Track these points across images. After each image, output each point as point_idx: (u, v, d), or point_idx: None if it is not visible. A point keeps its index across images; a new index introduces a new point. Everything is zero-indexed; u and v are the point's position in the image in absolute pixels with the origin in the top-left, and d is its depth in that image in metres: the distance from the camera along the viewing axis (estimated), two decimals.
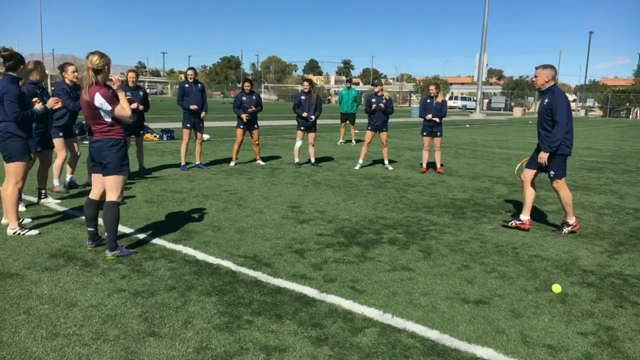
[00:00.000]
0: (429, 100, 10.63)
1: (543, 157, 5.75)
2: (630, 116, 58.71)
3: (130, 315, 3.54)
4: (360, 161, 11.04)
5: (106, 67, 4.57)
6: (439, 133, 10.74)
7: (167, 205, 6.79)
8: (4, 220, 5.56)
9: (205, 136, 14.30)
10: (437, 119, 10.39)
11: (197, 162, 10.12)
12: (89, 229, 4.90)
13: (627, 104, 60.48)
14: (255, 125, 10.67)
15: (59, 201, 6.75)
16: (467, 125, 30.38)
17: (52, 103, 5.78)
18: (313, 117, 10.54)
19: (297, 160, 10.92)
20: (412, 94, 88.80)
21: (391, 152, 13.20)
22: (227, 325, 3.43)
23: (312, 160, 11.12)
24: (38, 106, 5.41)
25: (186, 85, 9.58)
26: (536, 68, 5.82)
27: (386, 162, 11.12)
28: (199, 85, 9.78)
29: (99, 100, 4.46)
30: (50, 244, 5.00)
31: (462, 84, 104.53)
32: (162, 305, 3.72)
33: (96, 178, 4.83)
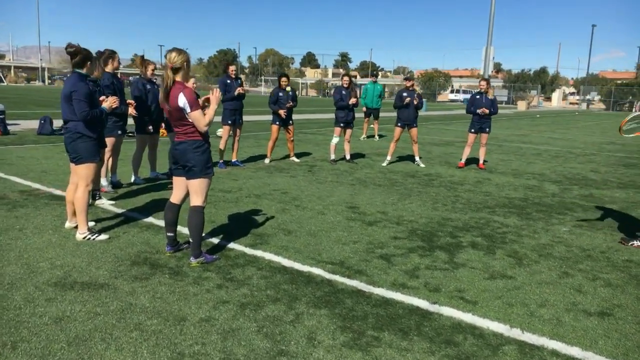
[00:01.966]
0: (478, 97, 10.43)
1: None
2: (634, 109, 58.68)
3: (248, 330, 3.32)
4: (389, 157, 10.82)
5: (185, 64, 4.31)
6: (487, 129, 10.55)
7: (224, 206, 6.55)
8: (68, 224, 5.32)
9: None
10: (486, 110, 10.17)
11: (234, 160, 9.88)
12: (169, 234, 4.67)
13: (630, 97, 60.47)
14: (291, 121, 10.43)
15: (113, 202, 6.50)
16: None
17: (113, 102, 5.51)
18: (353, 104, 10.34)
19: (332, 157, 10.69)
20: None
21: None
22: (355, 343, 3.21)
23: (348, 157, 10.90)
24: (106, 104, 5.15)
25: (228, 82, 9.32)
26: None
27: (417, 158, 10.91)
28: (239, 80, 9.54)
29: (182, 100, 4.22)
30: (126, 250, 4.76)
31: (461, 77, 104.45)
32: (275, 319, 3.50)
33: (178, 181, 4.59)
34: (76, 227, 5.19)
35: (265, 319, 3.48)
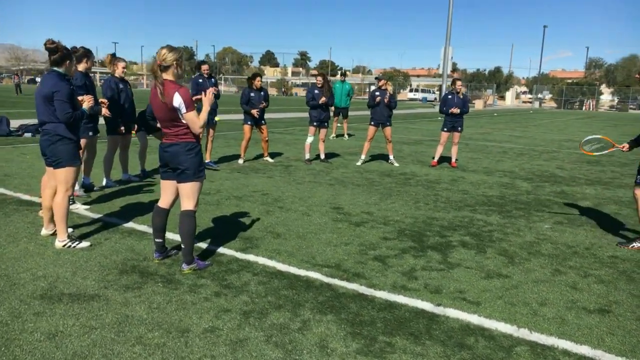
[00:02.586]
0: (450, 96, 10.53)
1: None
2: (584, 107, 61.14)
3: (256, 340, 3.19)
4: (363, 157, 10.82)
5: (176, 62, 4.13)
6: (460, 128, 10.67)
7: (205, 209, 6.36)
8: (44, 231, 5.03)
9: None
10: (456, 111, 10.29)
11: (208, 161, 9.64)
12: (157, 240, 4.47)
13: (580, 96, 62.89)
14: (263, 121, 10.26)
15: (88, 207, 6.21)
16: (439, 118, 30.65)
17: (89, 100, 5.23)
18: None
19: (307, 156, 10.59)
20: (370, 86, 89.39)
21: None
22: (369, 350, 3.14)
23: (322, 156, 10.82)
24: (86, 105, 4.88)
25: (200, 81, 9.09)
26: None
27: (391, 157, 10.94)
28: (212, 80, 9.31)
29: (178, 100, 4.04)
30: (111, 258, 4.53)
31: (418, 76, 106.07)
32: (282, 327, 3.38)
33: (167, 185, 4.39)
34: (54, 234, 4.92)
35: (272, 327, 3.36)
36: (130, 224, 5.58)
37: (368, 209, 6.68)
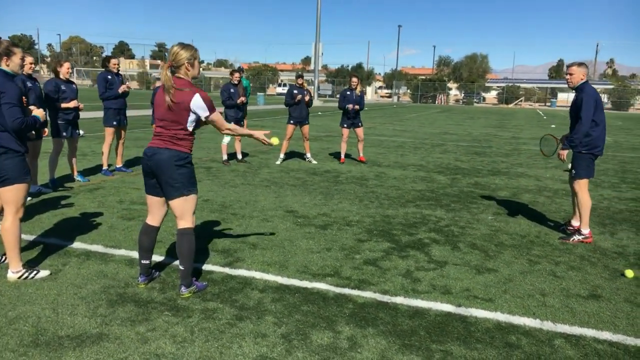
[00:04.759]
0: (348, 93, 10.71)
1: (562, 154, 5.68)
2: (437, 102, 66.71)
3: None
4: (282, 155, 10.69)
5: (187, 62, 3.69)
6: (360, 124, 10.93)
7: None
8: None
9: (81, 131, 12.42)
10: (357, 107, 10.53)
11: (119, 165, 8.78)
12: (144, 261, 3.96)
13: (433, 91, 68.49)
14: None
15: None
16: (320, 113, 31.34)
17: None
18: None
19: (225, 157, 10.14)
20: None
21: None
22: None
23: (240, 156, 10.45)
24: (39, 112, 4.11)
25: (109, 77, 8.21)
26: (569, 66, 5.63)
27: (308, 155, 10.94)
28: (120, 76, 8.47)
29: (198, 104, 3.62)
30: (86, 287, 3.91)
31: (282, 71, 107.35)
32: (333, 347, 3.19)
33: (154, 200, 3.89)
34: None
35: (323, 349, 3.16)
36: (80, 245, 4.88)
37: (322, 211, 6.59)
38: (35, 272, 4.04)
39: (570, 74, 5.59)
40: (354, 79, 10.83)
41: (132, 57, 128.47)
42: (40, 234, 5.16)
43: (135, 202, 6.62)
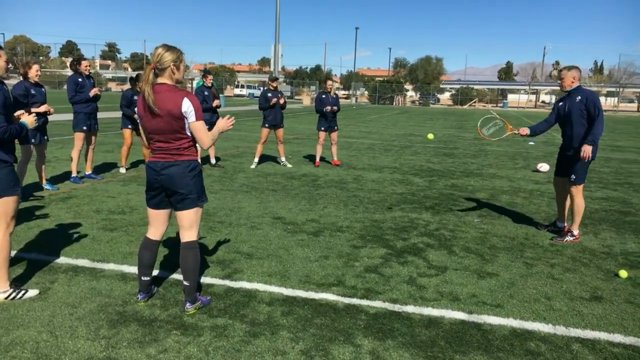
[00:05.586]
0: (324, 96, 10.65)
1: (587, 150, 5.39)
2: (394, 103, 67.53)
3: None
4: (256, 159, 10.52)
5: (173, 64, 3.49)
6: (336, 127, 10.90)
7: (135, 231, 5.52)
8: None
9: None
10: (335, 108, 10.49)
11: (88, 172, 8.39)
12: (144, 278, 3.74)
13: (391, 92, 69.33)
14: None
15: None
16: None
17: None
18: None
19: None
20: (192, 81, 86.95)
21: (255, 148, 12.78)
22: None
23: (213, 161, 10.19)
24: (27, 118, 3.82)
25: (79, 80, 7.83)
26: (560, 70, 5.78)
27: (283, 159, 10.80)
28: (91, 79, 8.11)
29: (187, 106, 3.42)
30: (82, 307, 3.66)
31: (239, 72, 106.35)
32: None
33: (159, 215, 3.68)
34: None
35: None
36: (65, 260, 4.59)
37: (309, 216, 6.48)
38: (23, 291, 3.75)
39: (562, 78, 5.76)
40: (329, 82, 10.79)
41: (82, 57, 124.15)
42: (20, 248, 4.83)
43: (114, 212, 6.32)
